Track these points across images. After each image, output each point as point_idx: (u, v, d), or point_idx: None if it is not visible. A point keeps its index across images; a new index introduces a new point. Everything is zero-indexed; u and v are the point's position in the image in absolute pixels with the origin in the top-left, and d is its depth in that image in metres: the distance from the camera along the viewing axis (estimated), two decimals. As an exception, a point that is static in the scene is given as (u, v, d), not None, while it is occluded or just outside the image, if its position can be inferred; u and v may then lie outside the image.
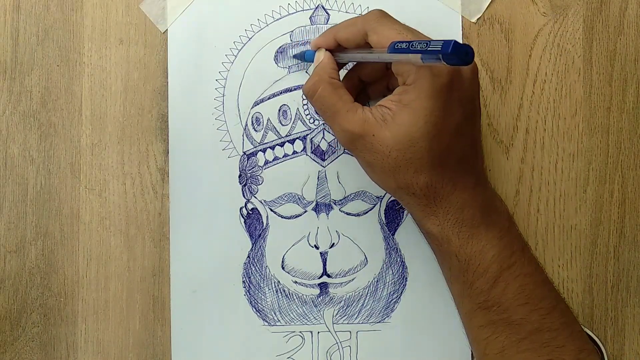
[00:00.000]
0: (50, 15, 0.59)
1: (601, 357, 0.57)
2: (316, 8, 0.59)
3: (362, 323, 0.59)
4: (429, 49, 0.42)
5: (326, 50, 0.53)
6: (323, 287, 0.59)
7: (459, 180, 0.49)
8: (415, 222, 0.52)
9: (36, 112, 0.59)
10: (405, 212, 0.59)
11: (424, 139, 0.47)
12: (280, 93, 0.59)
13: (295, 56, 0.58)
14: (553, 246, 0.59)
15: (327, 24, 0.59)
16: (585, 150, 0.59)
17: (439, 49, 0.41)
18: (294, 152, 0.59)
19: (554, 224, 0.59)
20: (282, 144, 0.59)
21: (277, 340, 0.58)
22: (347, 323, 0.59)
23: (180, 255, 0.58)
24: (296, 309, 0.59)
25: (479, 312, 0.50)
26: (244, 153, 0.59)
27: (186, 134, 0.59)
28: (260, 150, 0.59)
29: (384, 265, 0.59)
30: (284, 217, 0.59)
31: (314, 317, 0.59)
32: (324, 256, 0.59)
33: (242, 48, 0.59)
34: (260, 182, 0.59)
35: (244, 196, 0.59)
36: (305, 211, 0.59)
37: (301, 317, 0.59)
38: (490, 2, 0.59)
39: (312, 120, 0.58)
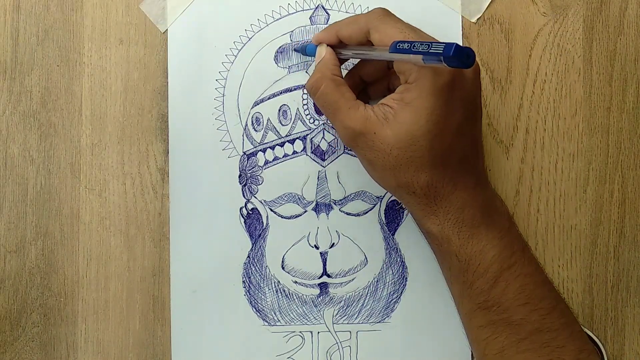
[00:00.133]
0: (50, 15, 0.59)
1: (601, 357, 0.56)
2: (316, 8, 0.59)
3: (362, 323, 0.58)
4: (430, 50, 0.42)
5: (328, 46, 0.52)
6: (323, 287, 0.58)
7: (459, 180, 0.49)
8: (415, 222, 0.52)
9: (36, 112, 0.59)
10: (405, 212, 0.58)
11: (425, 137, 0.47)
12: (280, 93, 0.58)
13: (296, 49, 0.58)
14: (553, 246, 0.58)
15: (327, 24, 0.59)
16: (585, 150, 0.58)
17: (441, 51, 0.41)
18: (294, 152, 0.58)
19: (554, 224, 0.58)
20: (282, 144, 0.58)
21: (277, 340, 0.58)
22: (347, 323, 0.58)
23: (180, 255, 0.58)
24: (296, 309, 0.58)
25: (478, 312, 0.50)
26: (244, 153, 0.59)
27: (186, 134, 0.58)
28: (260, 150, 0.59)
29: (384, 265, 0.58)
30: (284, 217, 0.59)
31: (314, 317, 0.58)
32: (324, 256, 0.58)
33: (242, 48, 0.59)
34: (260, 182, 0.58)
35: (244, 196, 0.59)
36: (305, 211, 0.58)
37: (301, 317, 0.58)
38: (490, 2, 0.59)
39: (312, 120, 0.58)
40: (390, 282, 0.58)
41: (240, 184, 0.59)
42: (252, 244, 0.59)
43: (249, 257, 0.59)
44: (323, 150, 0.58)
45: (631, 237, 0.58)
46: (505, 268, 0.49)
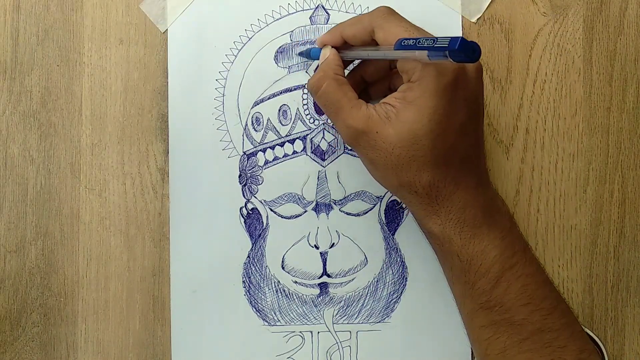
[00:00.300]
0: (50, 15, 0.59)
1: (602, 357, 0.56)
2: (316, 8, 0.58)
3: (362, 323, 0.58)
4: (435, 45, 0.42)
5: (332, 47, 0.52)
6: (323, 287, 0.58)
7: (461, 180, 0.48)
8: (417, 222, 0.52)
9: (36, 112, 0.58)
10: (405, 212, 0.58)
11: (428, 137, 0.46)
12: (280, 93, 0.58)
13: (300, 54, 0.58)
14: (553, 246, 0.58)
15: (327, 24, 0.58)
16: (585, 150, 0.58)
17: (446, 45, 0.41)
18: (294, 152, 0.58)
19: (554, 224, 0.58)
20: (282, 144, 0.58)
21: (277, 340, 0.58)
22: (347, 323, 0.58)
23: (180, 255, 0.58)
24: (296, 309, 0.58)
25: (480, 313, 0.50)
26: (244, 153, 0.58)
27: (186, 134, 0.58)
28: (260, 150, 0.58)
29: (384, 265, 0.58)
30: (284, 217, 0.58)
31: (314, 317, 0.58)
32: (324, 256, 0.58)
33: (242, 48, 0.58)
34: (260, 182, 0.58)
35: (244, 196, 0.58)
36: (305, 211, 0.58)
37: (301, 317, 0.58)
38: (490, 2, 0.58)
39: (312, 120, 0.58)
40: (390, 282, 0.58)
41: (240, 184, 0.58)
42: (252, 244, 0.58)
43: (249, 257, 0.58)
44: (323, 150, 0.58)
45: (631, 237, 0.58)
46: (507, 268, 0.49)
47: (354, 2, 0.58)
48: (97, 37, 0.59)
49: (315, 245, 0.58)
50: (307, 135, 0.58)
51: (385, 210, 0.58)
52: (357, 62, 0.56)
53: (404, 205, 0.58)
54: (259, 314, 0.58)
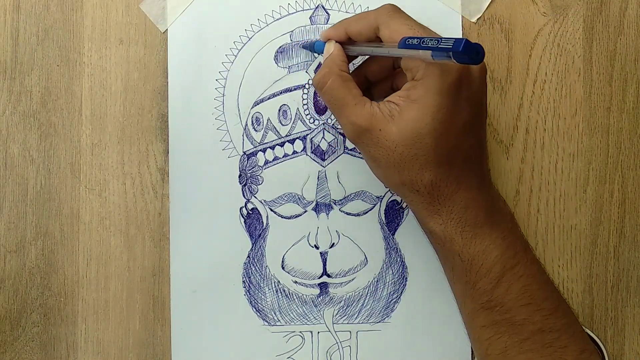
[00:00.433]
0: (50, 15, 0.58)
1: (602, 357, 0.56)
2: (316, 8, 0.58)
3: (362, 323, 0.58)
4: (440, 46, 0.42)
5: (336, 42, 0.52)
6: (323, 287, 0.58)
7: (463, 180, 0.48)
8: (418, 221, 0.51)
9: (36, 112, 0.58)
10: (405, 212, 0.58)
11: (431, 135, 0.46)
12: (280, 93, 0.58)
13: (304, 46, 0.57)
14: (553, 246, 0.58)
15: (327, 23, 0.58)
16: (585, 150, 0.58)
17: (450, 46, 0.41)
18: (294, 152, 0.58)
19: (554, 224, 0.58)
20: (282, 144, 0.58)
21: (277, 340, 0.58)
22: (347, 323, 0.58)
23: (180, 255, 0.58)
24: (296, 308, 0.58)
25: (481, 313, 0.49)
26: (244, 153, 0.58)
27: (186, 134, 0.58)
28: (260, 150, 0.58)
29: (384, 265, 0.58)
30: (284, 217, 0.58)
31: (314, 317, 0.58)
32: (324, 256, 0.58)
33: (242, 48, 0.58)
34: (260, 182, 0.58)
35: (244, 196, 0.58)
36: (305, 211, 0.58)
37: (301, 317, 0.58)
38: (490, 2, 0.58)
39: (312, 120, 0.58)
40: (390, 282, 0.58)
41: (240, 184, 0.58)
42: (252, 244, 0.58)
43: (249, 257, 0.58)
44: (323, 150, 0.58)
45: (631, 237, 0.58)
46: (508, 268, 0.48)
47: (354, 2, 0.58)
48: (97, 37, 0.58)
49: (315, 245, 0.58)
50: (307, 135, 0.58)
51: (385, 210, 0.58)
52: (359, 61, 0.55)
53: (404, 206, 0.58)
54: (259, 314, 0.58)
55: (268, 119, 0.58)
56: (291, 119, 0.58)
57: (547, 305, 0.49)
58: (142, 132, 0.58)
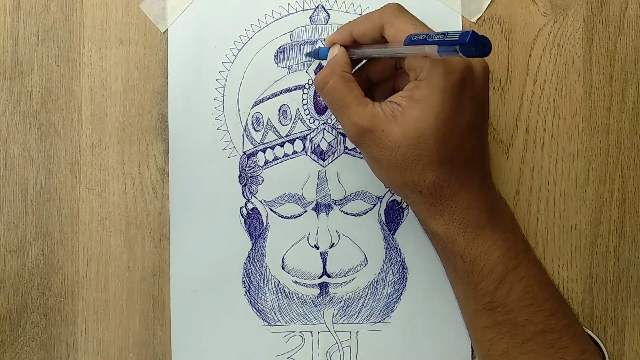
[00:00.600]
0: (50, 15, 0.58)
1: (602, 357, 0.55)
2: (316, 8, 0.58)
3: (362, 323, 0.57)
4: (446, 39, 0.41)
5: (341, 46, 0.52)
6: (323, 287, 0.57)
7: (465, 180, 0.47)
8: (420, 222, 0.51)
9: (36, 112, 0.57)
10: (405, 212, 0.57)
11: (434, 136, 0.46)
12: (280, 93, 0.57)
13: (308, 54, 0.57)
14: (553, 246, 0.57)
15: (327, 24, 0.58)
16: (585, 150, 0.57)
17: (457, 39, 0.40)
18: (294, 152, 0.57)
19: (554, 224, 0.57)
20: (282, 144, 0.57)
21: (277, 340, 0.57)
22: (347, 323, 0.57)
23: (180, 255, 0.57)
24: (296, 309, 0.57)
25: (483, 313, 0.49)
26: (244, 153, 0.57)
27: (186, 134, 0.57)
28: (260, 150, 0.57)
29: (384, 265, 0.57)
30: (284, 217, 0.57)
31: (314, 317, 0.57)
32: (324, 256, 0.57)
33: (242, 48, 0.58)
34: (260, 182, 0.57)
35: (244, 196, 0.57)
36: (305, 211, 0.57)
37: (301, 317, 0.57)
38: (490, 2, 0.57)
39: (312, 120, 0.57)
40: (390, 282, 0.57)
41: (240, 184, 0.57)
42: (252, 244, 0.57)
43: (249, 257, 0.57)
44: (323, 150, 0.57)
45: (631, 237, 0.57)
46: (510, 269, 0.48)
47: (354, 2, 0.58)
48: (97, 37, 0.58)
49: (315, 245, 0.57)
50: (307, 135, 0.57)
51: (385, 210, 0.57)
52: (362, 64, 0.55)
53: (404, 206, 0.57)
54: (259, 314, 0.57)
55: (268, 119, 0.57)
56: (291, 119, 0.57)
57: (549, 306, 0.48)
58: (142, 132, 0.58)
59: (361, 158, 0.57)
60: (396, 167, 0.47)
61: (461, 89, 0.46)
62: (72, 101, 0.58)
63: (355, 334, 0.57)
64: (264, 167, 0.57)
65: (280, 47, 0.57)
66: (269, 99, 0.57)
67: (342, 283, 0.57)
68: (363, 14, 0.57)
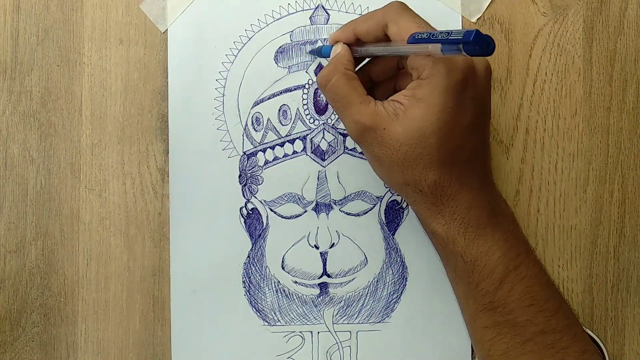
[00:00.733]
0: (50, 15, 0.57)
1: (602, 357, 0.55)
2: (316, 8, 0.57)
3: (362, 323, 0.57)
4: (450, 37, 0.41)
5: (344, 44, 0.51)
6: (323, 287, 0.57)
7: (466, 180, 0.47)
8: (420, 222, 0.51)
9: (36, 112, 0.57)
10: (405, 212, 0.57)
11: (435, 135, 0.45)
12: (280, 93, 0.57)
13: (311, 52, 0.57)
14: (553, 246, 0.57)
15: (327, 24, 0.57)
16: (585, 150, 0.57)
17: (461, 37, 0.40)
18: (294, 152, 0.57)
19: (554, 224, 0.57)
20: (282, 144, 0.57)
21: (277, 340, 0.57)
22: (347, 323, 0.57)
23: (180, 255, 0.57)
24: (296, 309, 0.57)
25: (483, 314, 0.48)
26: (244, 153, 0.57)
27: (186, 134, 0.57)
28: (260, 150, 0.57)
29: (384, 265, 0.57)
30: (284, 217, 0.57)
31: (314, 317, 0.57)
32: (324, 256, 0.57)
33: (242, 48, 0.57)
34: (260, 182, 0.57)
35: (244, 196, 0.57)
36: (305, 211, 0.57)
37: (301, 317, 0.57)
38: (490, 2, 0.57)
39: (312, 120, 0.57)
40: (390, 282, 0.57)
41: (240, 184, 0.57)
42: (252, 244, 0.57)
43: (249, 257, 0.57)
44: (323, 150, 0.57)
45: (631, 237, 0.57)
46: (510, 269, 0.47)
47: (354, 2, 0.57)
48: (97, 37, 0.57)
49: (315, 245, 0.57)
50: (307, 135, 0.57)
51: (385, 210, 0.57)
52: (365, 62, 0.54)
53: (404, 206, 0.57)
54: (259, 314, 0.57)
55: (268, 119, 0.57)
56: (291, 119, 0.57)
57: (549, 306, 0.48)
58: (142, 132, 0.57)
59: (361, 158, 0.56)
60: (397, 166, 0.47)
61: (463, 88, 0.45)
62: (72, 101, 0.57)
63: (355, 334, 0.57)
64: (264, 167, 0.57)
65: (280, 47, 0.57)
66: (269, 99, 0.57)
67: (342, 283, 0.57)
68: (363, 14, 0.57)
